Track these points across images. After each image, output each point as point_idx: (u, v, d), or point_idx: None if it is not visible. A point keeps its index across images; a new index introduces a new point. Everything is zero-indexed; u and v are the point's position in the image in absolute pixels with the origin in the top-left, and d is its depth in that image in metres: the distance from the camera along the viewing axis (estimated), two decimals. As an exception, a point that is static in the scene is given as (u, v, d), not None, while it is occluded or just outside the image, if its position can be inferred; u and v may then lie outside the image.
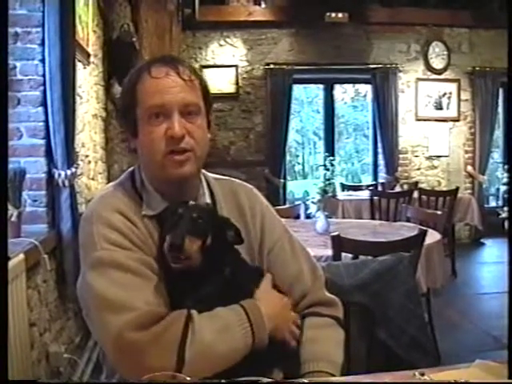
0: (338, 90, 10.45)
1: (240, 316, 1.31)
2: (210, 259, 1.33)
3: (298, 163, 13.97)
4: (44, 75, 2.75)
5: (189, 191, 1.46)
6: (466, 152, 8.40)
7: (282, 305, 1.44)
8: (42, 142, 2.79)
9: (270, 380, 0.96)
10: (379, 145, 8.21)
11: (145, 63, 1.46)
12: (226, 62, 7.90)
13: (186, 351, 1.23)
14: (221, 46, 7.92)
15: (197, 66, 7.41)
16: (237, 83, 7.90)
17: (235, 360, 1.28)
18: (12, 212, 2.49)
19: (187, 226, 1.29)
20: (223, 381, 0.98)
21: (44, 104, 2.77)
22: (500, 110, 8.43)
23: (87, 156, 3.64)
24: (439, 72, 8.26)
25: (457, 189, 6.12)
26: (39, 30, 2.75)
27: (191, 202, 1.38)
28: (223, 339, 1.27)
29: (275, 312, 1.38)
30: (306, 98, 12.91)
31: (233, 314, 1.31)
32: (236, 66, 7.90)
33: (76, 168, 2.90)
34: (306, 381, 1.28)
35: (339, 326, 1.54)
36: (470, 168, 8.37)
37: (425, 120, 8.28)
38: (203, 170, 1.54)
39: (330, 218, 4.05)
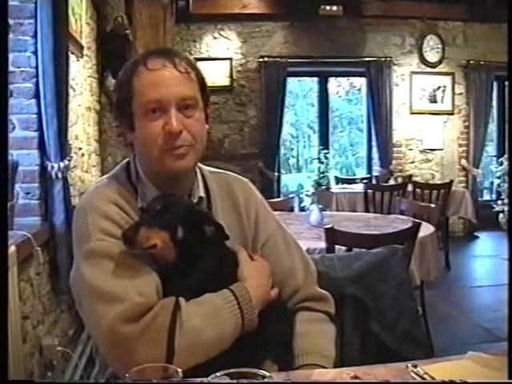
0: (333, 83, 10.42)
1: (228, 298, 1.30)
2: (186, 252, 1.32)
3: (293, 156, 13.96)
4: (37, 67, 2.73)
5: (184, 184, 1.46)
6: (460, 145, 8.42)
7: (265, 274, 1.43)
8: (35, 134, 2.77)
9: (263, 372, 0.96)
10: (373, 138, 8.23)
11: (140, 55, 1.44)
12: (220, 55, 7.89)
13: (176, 339, 1.22)
14: (215, 38, 7.90)
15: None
16: (231, 76, 7.89)
17: (225, 345, 1.27)
18: (5, 204, 2.48)
19: (146, 218, 1.30)
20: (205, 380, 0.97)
21: (37, 96, 2.75)
22: (494, 103, 8.45)
23: (81, 148, 3.62)
24: (433, 65, 8.26)
25: (451, 182, 6.13)
26: (32, 21, 2.73)
27: (170, 194, 1.39)
28: (212, 323, 1.27)
29: (262, 287, 1.38)
30: (301, 92, 12.89)
31: (220, 297, 1.31)
32: (230, 59, 7.89)
33: (69, 160, 2.89)
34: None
35: (331, 321, 1.54)
36: (464, 161, 8.39)
37: (419, 113, 8.29)
38: (198, 163, 1.53)
39: (324, 210, 4.05)
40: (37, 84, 2.74)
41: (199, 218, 1.37)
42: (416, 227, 2.88)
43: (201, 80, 1.43)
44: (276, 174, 8.00)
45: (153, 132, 1.34)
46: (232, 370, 0.94)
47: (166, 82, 1.35)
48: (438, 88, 8.29)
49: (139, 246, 1.26)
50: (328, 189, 5.54)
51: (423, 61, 8.24)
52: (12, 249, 2.25)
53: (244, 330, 1.30)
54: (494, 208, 7.59)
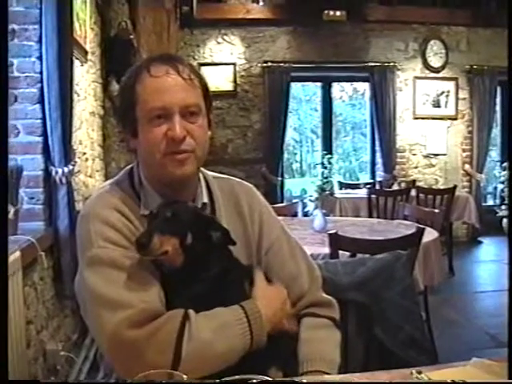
0: (336, 88, 10.40)
1: (239, 316, 1.30)
2: (193, 258, 1.32)
3: (296, 161, 13.92)
4: (41, 72, 2.75)
5: (187, 190, 1.46)
6: (464, 150, 8.41)
7: (280, 299, 1.42)
8: (39, 139, 2.79)
9: (266, 378, 0.96)
10: (377, 143, 8.22)
11: (143, 62, 1.43)
12: (223, 60, 7.90)
13: (183, 349, 1.22)
14: (219, 43, 7.91)
15: (195, 63, 7.40)
16: (235, 81, 7.90)
17: (232, 360, 1.27)
18: (9, 209, 2.48)
19: (158, 225, 1.29)
20: (217, 380, 0.97)
21: (41, 101, 2.76)
22: (498, 108, 8.44)
23: (84, 153, 3.63)
24: (437, 70, 8.26)
25: (454, 187, 6.12)
26: (36, 27, 2.74)
27: (175, 200, 1.39)
28: (221, 338, 1.26)
29: (274, 309, 1.37)
30: (304, 96, 12.86)
31: (231, 313, 1.30)
32: (234, 64, 7.91)
33: (73, 165, 2.90)
34: (304, 380, 1.27)
35: (336, 327, 1.54)
36: (467, 166, 8.38)
37: (422, 118, 8.29)
38: (202, 169, 1.53)
39: (328, 216, 4.04)
40: (41, 89, 2.75)
41: (206, 224, 1.37)
42: (420, 232, 2.87)
43: (204, 86, 1.43)
44: (279, 178, 8.00)
45: (156, 137, 1.34)
46: (236, 377, 0.94)
47: (169, 89, 1.35)
48: (442, 93, 8.29)
49: (152, 252, 1.26)
50: (331, 194, 5.53)
51: (427, 66, 8.24)
52: (16, 254, 2.26)
53: (252, 347, 1.29)
54: (497, 213, 7.60)
